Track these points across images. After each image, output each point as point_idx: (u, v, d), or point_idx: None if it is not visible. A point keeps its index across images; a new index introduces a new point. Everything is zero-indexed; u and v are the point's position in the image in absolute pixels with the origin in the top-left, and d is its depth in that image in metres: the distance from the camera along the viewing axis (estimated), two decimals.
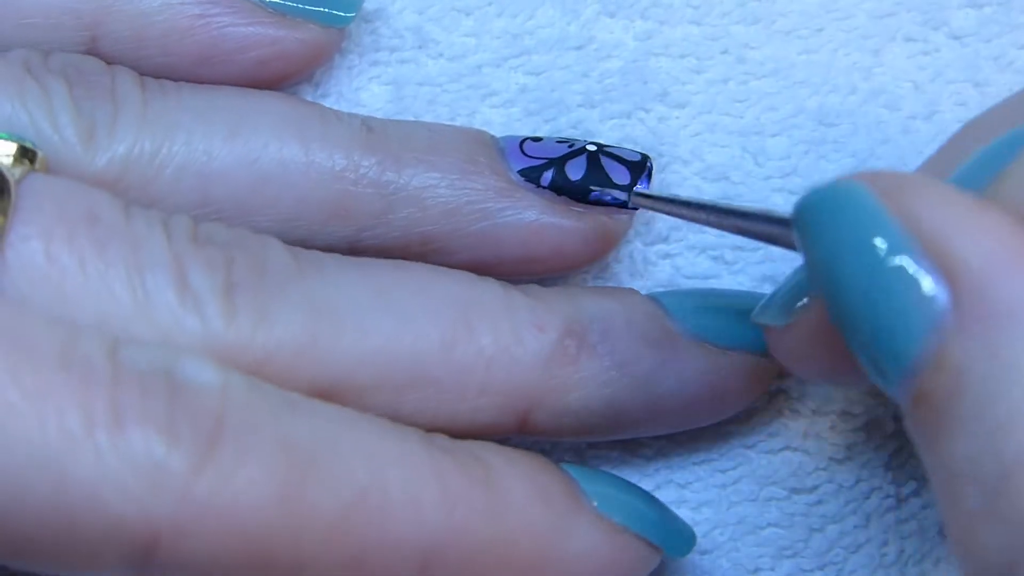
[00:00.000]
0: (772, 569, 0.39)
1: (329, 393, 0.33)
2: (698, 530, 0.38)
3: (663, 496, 0.39)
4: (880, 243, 0.27)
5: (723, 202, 0.35)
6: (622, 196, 0.37)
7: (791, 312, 0.33)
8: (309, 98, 0.40)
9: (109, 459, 0.29)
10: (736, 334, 0.36)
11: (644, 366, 0.36)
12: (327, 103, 0.40)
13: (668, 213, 0.36)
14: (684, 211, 0.35)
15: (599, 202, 0.37)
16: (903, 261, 0.27)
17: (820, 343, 0.32)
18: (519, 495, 0.33)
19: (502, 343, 0.35)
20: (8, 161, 0.32)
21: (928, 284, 0.27)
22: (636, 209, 0.37)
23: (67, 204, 0.32)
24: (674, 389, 0.36)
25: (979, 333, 0.27)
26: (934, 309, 0.27)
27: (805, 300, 0.33)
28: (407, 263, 0.36)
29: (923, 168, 0.33)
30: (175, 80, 0.37)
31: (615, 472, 0.39)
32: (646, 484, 0.39)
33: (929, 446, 0.28)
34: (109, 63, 0.36)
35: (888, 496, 0.39)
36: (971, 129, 0.32)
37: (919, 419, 0.28)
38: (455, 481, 0.32)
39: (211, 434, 0.29)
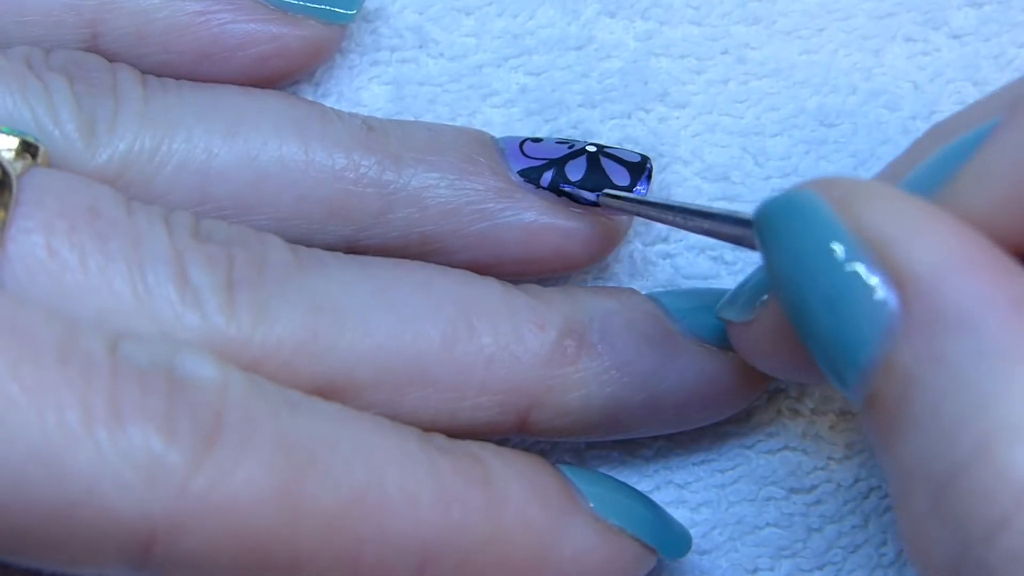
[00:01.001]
0: (771, 569, 0.39)
1: (329, 390, 0.33)
2: (697, 530, 0.39)
3: (662, 496, 0.39)
4: (832, 250, 0.28)
5: (689, 203, 0.35)
6: (591, 196, 0.37)
7: (752, 308, 0.33)
8: (310, 97, 0.40)
9: (108, 454, 0.29)
10: None
11: (644, 365, 0.36)
12: (328, 103, 0.40)
13: (635, 214, 0.36)
14: (650, 212, 0.35)
15: (570, 197, 0.37)
16: (854, 268, 0.28)
17: (781, 340, 0.33)
18: (516, 495, 0.33)
19: (502, 342, 0.35)
20: (10, 155, 0.32)
21: (878, 290, 0.27)
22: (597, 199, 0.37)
23: (68, 198, 0.32)
24: (674, 388, 0.36)
25: (927, 338, 0.27)
26: (884, 315, 0.27)
27: (765, 297, 0.33)
28: (408, 262, 0.36)
29: (885, 170, 0.34)
30: (176, 77, 0.37)
31: (614, 472, 0.39)
32: (645, 484, 0.39)
33: (882, 448, 0.28)
34: (110, 60, 0.36)
35: (887, 496, 0.39)
36: (935, 132, 0.33)
37: (872, 421, 0.28)
38: (452, 480, 0.32)
39: (210, 431, 0.30)
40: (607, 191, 0.37)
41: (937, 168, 0.30)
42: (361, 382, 0.33)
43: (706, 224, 0.33)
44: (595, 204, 0.37)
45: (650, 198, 0.36)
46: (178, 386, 0.30)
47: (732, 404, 0.37)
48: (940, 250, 0.27)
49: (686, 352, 0.36)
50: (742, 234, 0.32)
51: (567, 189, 0.37)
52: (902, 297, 0.27)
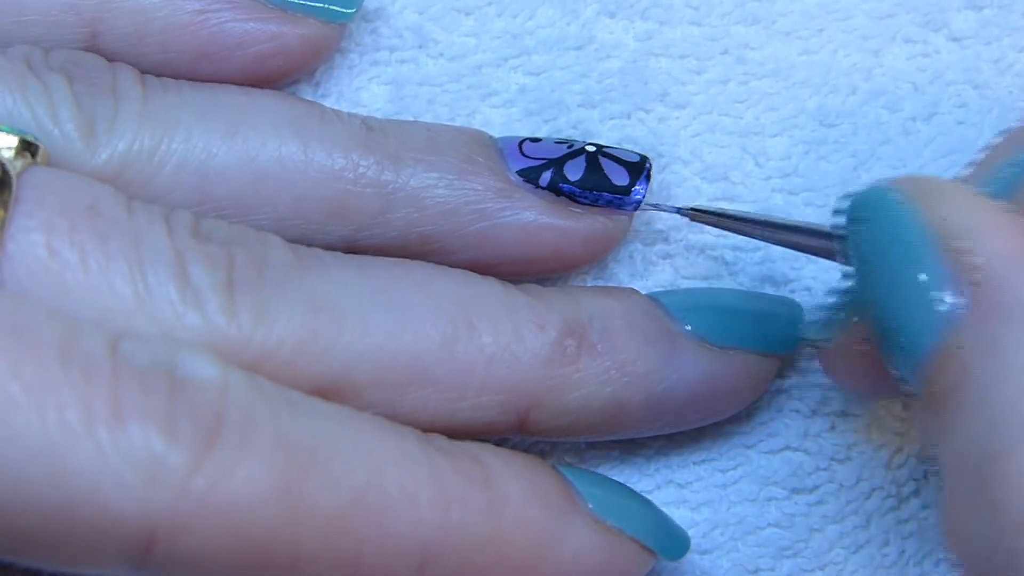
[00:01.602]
0: (772, 569, 0.39)
1: (329, 390, 0.33)
2: (698, 530, 0.39)
3: (663, 496, 0.39)
4: (909, 241, 0.29)
5: (774, 217, 0.36)
6: (629, 209, 0.37)
7: (838, 329, 0.34)
8: (309, 97, 0.40)
9: (108, 454, 0.29)
10: (736, 333, 0.37)
11: (644, 365, 0.36)
12: (327, 103, 0.40)
13: (723, 228, 0.37)
14: (738, 226, 0.37)
15: (603, 206, 0.37)
16: (927, 258, 0.29)
17: (869, 361, 0.33)
18: (516, 496, 0.33)
19: (502, 342, 0.34)
20: (10, 154, 0.32)
21: (946, 281, 0.28)
22: (636, 210, 0.37)
23: (69, 197, 0.32)
24: (674, 388, 0.36)
25: (986, 328, 0.28)
26: (948, 304, 0.28)
27: (854, 319, 0.34)
28: (408, 261, 0.36)
29: (965, 172, 0.34)
30: (175, 76, 0.37)
31: (614, 472, 0.39)
32: (646, 484, 0.39)
33: (937, 439, 0.29)
34: (109, 60, 0.36)
35: (889, 496, 0.39)
36: (1017, 134, 0.33)
37: (931, 412, 0.29)
38: (452, 481, 0.32)
39: (210, 430, 0.29)
40: (694, 206, 0.38)
41: (1013, 171, 0.31)
42: (361, 382, 0.33)
43: (790, 237, 0.35)
44: (593, 204, 0.37)
45: (735, 212, 0.37)
46: (179, 386, 0.30)
47: (733, 404, 0.37)
48: (1007, 246, 0.28)
49: (686, 352, 0.36)
50: (826, 246, 0.34)
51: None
52: (967, 289, 0.28)
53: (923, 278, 0.29)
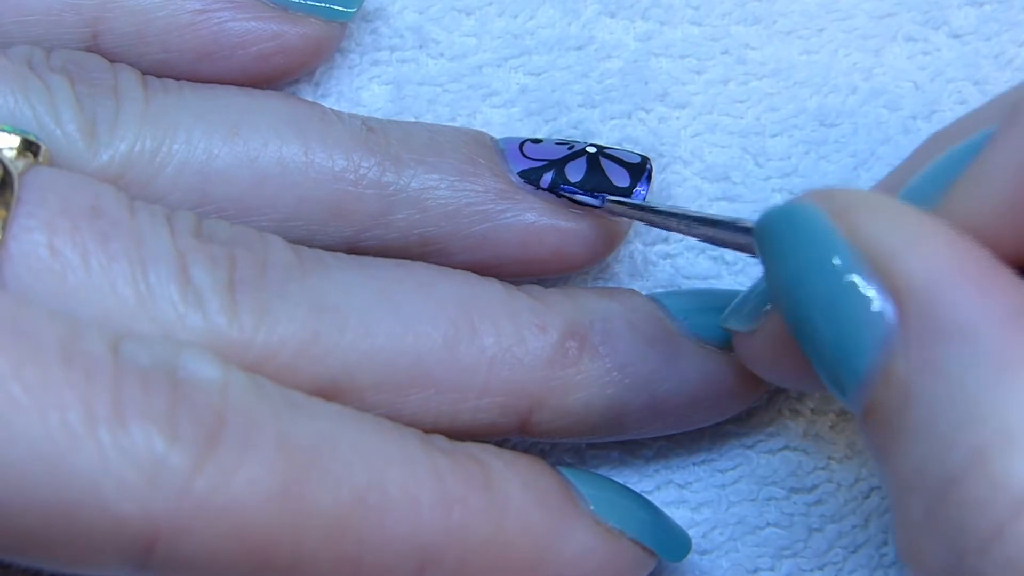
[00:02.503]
0: (771, 569, 0.39)
1: (330, 391, 0.33)
2: (698, 530, 0.39)
3: (663, 496, 0.39)
4: (830, 262, 0.28)
5: (691, 210, 0.35)
6: (593, 201, 0.37)
7: (756, 318, 0.34)
8: (310, 97, 0.40)
9: (110, 455, 0.29)
10: None
11: (645, 367, 0.36)
12: (327, 103, 0.40)
13: (638, 220, 0.36)
14: (653, 218, 0.36)
15: (571, 199, 0.37)
16: (851, 279, 0.28)
17: (784, 349, 0.33)
18: (517, 497, 0.33)
19: (504, 343, 0.35)
20: (11, 154, 0.32)
21: (875, 302, 0.28)
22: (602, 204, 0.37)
23: (71, 197, 0.32)
24: (675, 390, 0.36)
25: (924, 349, 0.27)
26: (881, 326, 0.28)
27: (768, 307, 0.33)
28: (410, 262, 0.36)
29: (887, 178, 0.34)
30: (176, 75, 0.37)
31: (614, 472, 0.39)
32: (646, 484, 0.39)
33: (880, 458, 0.28)
34: (110, 60, 0.36)
35: (887, 496, 0.39)
36: (936, 139, 0.33)
37: (871, 431, 0.28)
38: (453, 482, 0.32)
39: (212, 431, 0.30)
40: (611, 197, 0.37)
41: (936, 177, 0.30)
42: (363, 383, 0.33)
43: (709, 231, 0.34)
44: (596, 207, 0.37)
45: (654, 204, 0.36)
46: (180, 386, 0.30)
47: (733, 405, 0.37)
48: (936, 261, 0.27)
49: (687, 353, 0.36)
50: (745, 241, 0.32)
51: (566, 191, 0.37)
52: (899, 308, 0.27)
53: (851, 299, 0.28)
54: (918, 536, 0.27)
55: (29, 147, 0.33)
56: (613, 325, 0.36)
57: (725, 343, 0.36)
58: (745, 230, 0.32)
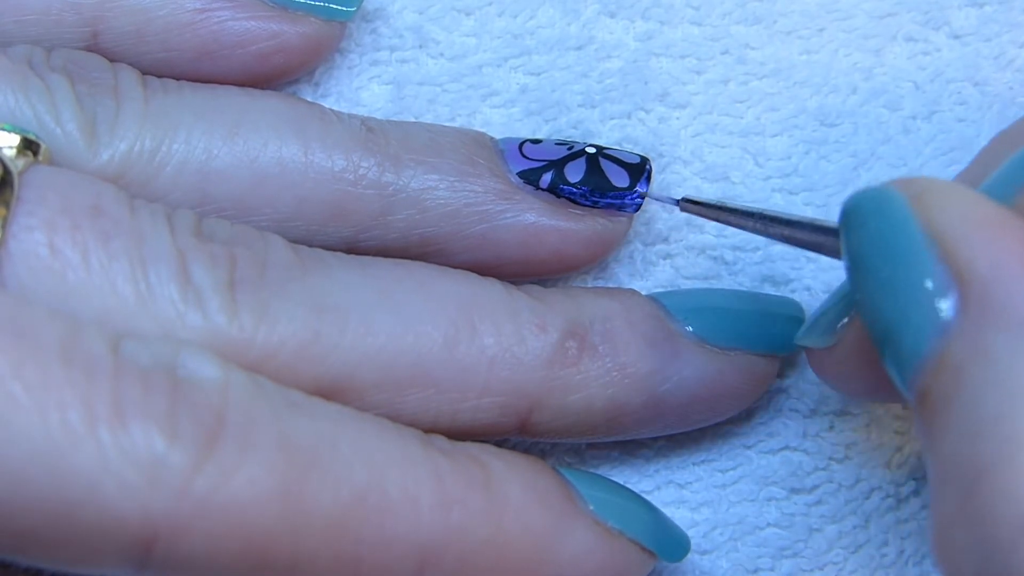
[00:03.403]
0: (772, 569, 0.39)
1: (330, 391, 0.33)
2: (698, 530, 0.39)
3: (663, 496, 0.39)
4: (904, 244, 0.29)
5: (770, 210, 0.35)
6: (629, 210, 0.37)
7: (833, 332, 0.34)
8: (309, 98, 0.40)
9: (110, 454, 0.29)
10: (736, 334, 0.37)
11: (645, 367, 0.36)
12: (327, 103, 0.40)
13: (715, 220, 0.37)
14: (731, 218, 0.36)
15: (604, 207, 0.37)
16: (920, 262, 0.28)
17: (862, 363, 0.33)
18: (516, 497, 0.33)
19: (504, 343, 0.35)
20: (11, 153, 0.32)
21: (940, 286, 0.28)
22: (637, 210, 0.37)
23: (71, 196, 0.32)
24: (675, 390, 0.36)
25: (979, 335, 0.27)
26: (942, 311, 0.28)
27: (845, 320, 0.33)
28: (410, 262, 0.36)
29: (962, 174, 0.34)
30: (176, 74, 0.37)
31: (615, 472, 0.39)
32: (646, 484, 0.39)
33: (925, 447, 0.28)
34: (110, 59, 0.36)
35: (888, 496, 0.39)
36: (1008, 135, 0.33)
37: (922, 418, 0.28)
38: (453, 482, 0.32)
39: (212, 431, 0.30)
40: (687, 197, 0.37)
41: (1011, 176, 0.30)
42: (363, 383, 0.33)
43: (787, 231, 0.34)
44: (592, 206, 0.37)
45: (730, 204, 0.36)
46: (180, 386, 0.30)
47: (733, 405, 0.37)
48: (1000, 250, 0.28)
49: (687, 353, 0.36)
50: (823, 241, 0.33)
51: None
52: (961, 295, 0.28)
53: (918, 282, 0.28)
54: (951, 527, 0.27)
55: (29, 146, 0.33)
56: (613, 325, 0.36)
57: (725, 343, 0.36)
58: (824, 230, 0.33)
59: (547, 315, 0.35)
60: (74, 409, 0.29)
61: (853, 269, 0.30)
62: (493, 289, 0.35)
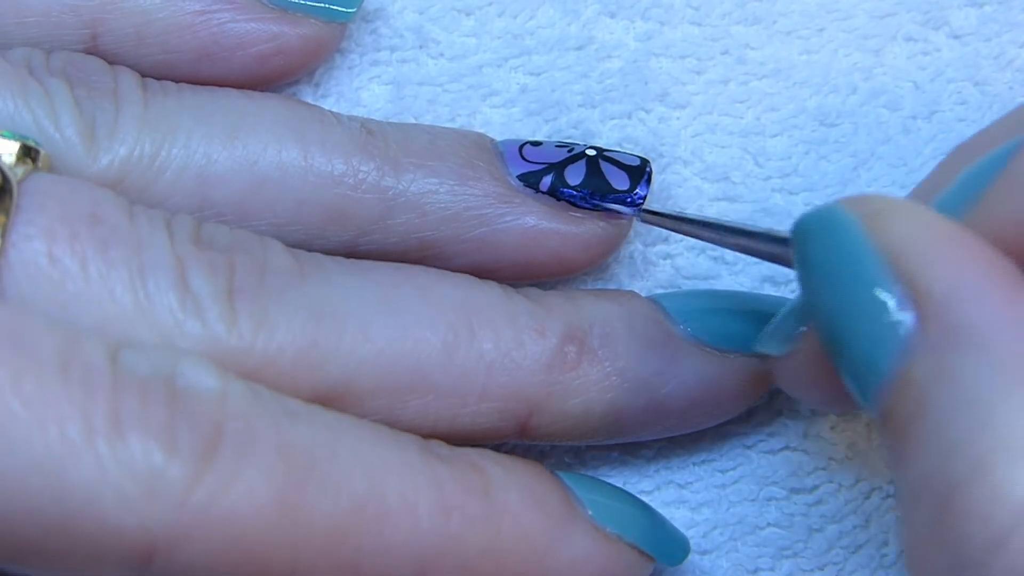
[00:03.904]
0: (772, 569, 0.39)
1: (329, 397, 0.33)
2: (698, 530, 0.39)
3: (663, 496, 0.39)
4: (858, 265, 0.28)
5: (727, 220, 0.35)
6: (629, 211, 0.37)
7: (791, 340, 0.34)
8: (309, 98, 0.40)
9: (109, 467, 0.29)
10: (736, 337, 0.37)
11: (645, 370, 0.36)
12: (327, 103, 0.40)
13: (673, 230, 0.37)
14: (689, 228, 0.36)
15: (604, 209, 0.37)
16: (876, 283, 0.28)
17: (819, 371, 0.33)
18: (515, 504, 0.33)
19: (503, 348, 0.35)
20: (11, 160, 0.32)
21: (897, 306, 0.28)
22: (638, 211, 0.37)
23: (70, 204, 0.32)
24: (675, 393, 0.36)
25: (941, 356, 0.27)
26: (901, 330, 0.28)
27: (803, 328, 0.33)
28: (409, 266, 0.36)
29: (916, 189, 0.34)
30: (176, 76, 0.37)
31: (615, 472, 0.39)
32: (646, 484, 0.39)
33: (893, 465, 0.28)
34: (110, 61, 0.36)
35: (888, 496, 0.39)
36: (962, 150, 0.33)
37: (887, 438, 0.28)
38: (452, 489, 0.32)
39: (210, 442, 0.30)
40: (646, 208, 0.37)
41: (964, 189, 0.30)
42: (361, 389, 0.33)
43: (743, 241, 0.34)
44: (594, 210, 0.37)
45: (688, 214, 0.37)
46: (179, 396, 0.30)
47: (733, 408, 0.37)
48: (958, 269, 0.28)
49: (687, 356, 0.36)
50: (779, 252, 0.33)
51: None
52: (919, 313, 0.28)
53: (875, 303, 0.28)
54: (923, 547, 0.27)
55: (28, 153, 0.33)
56: (612, 329, 0.36)
57: (725, 346, 0.36)
58: (778, 240, 0.33)
59: (546, 319, 0.35)
60: (72, 422, 0.29)
61: (807, 288, 0.30)
62: (492, 293, 0.35)
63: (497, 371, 0.34)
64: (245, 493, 0.30)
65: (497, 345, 0.34)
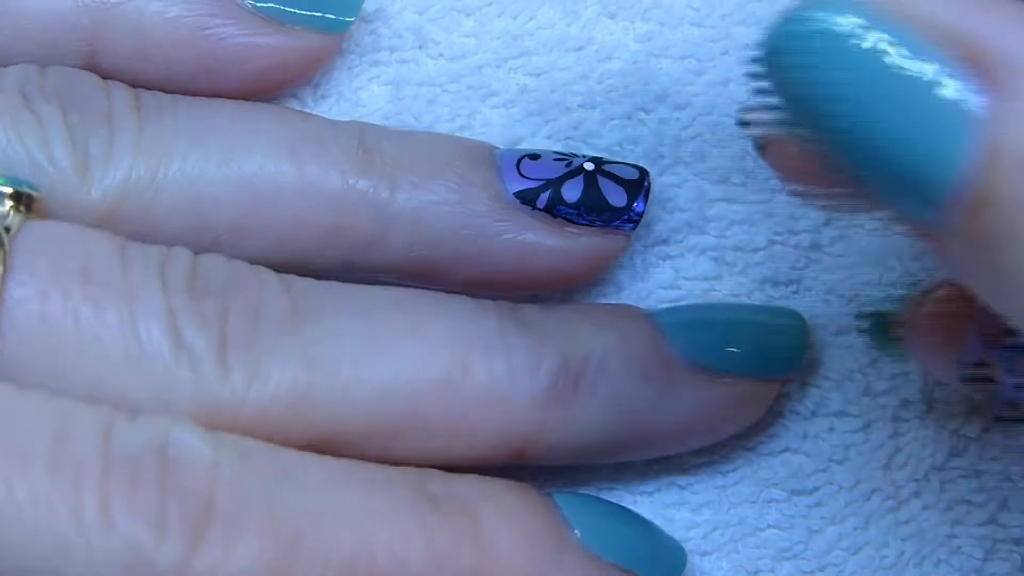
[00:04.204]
0: (772, 571, 0.39)
1: (323, 443, 0.33)
2: (698, 531, 0.39)
3: (663, 497, 0.39)
4: (887, 52, 0.24)
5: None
6: (627, 228, 0.37)
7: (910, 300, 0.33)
8: (308, 98, 0.40)
9: (99, 558, 0.29)
10: (735, 361, 0.36)
11: (640, 403, 0.36)
12: (327, 104, 0.40)
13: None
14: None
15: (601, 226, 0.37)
16: (922, 64, 0.24)
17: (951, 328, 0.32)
18: (506, 548, 0.33)
19: (497, 386, 0.34)
20: (3, 209, 0.32)
21: (963, 90, 0.24)
22: (634, 228, 0.37)
23: (61, 260, 0.32)
24: (670, 422, 0.36)
25: None
26: (969, 108, 0.24)
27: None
28: (404, 295, 0.35)
29: None
30: (174, 90, 0.37)
31: (615, 473, 0.39)
32: (646, 486, 0.39)
33: (990, 260, 0.25)
34: (108, 76, 0.36)
35: (888, 498, 0.39)
36: None
37: (975, 234, 0.25)
38: (442, 539, 0.32)
39: (200, 519, 0.30)
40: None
41: None
42: (355, 432, 0.33)
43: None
44: (589, 224, 0.37)
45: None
46: (169, 472, 0.30)
47: (730, 430, 0.37)
48: (1005, 22, 0.24)
49: (683, 384, 0.36)
50: None
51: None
52: (993, 92, 0.24)
53: (925, 91, 0.24)
54: None
55: (20, 198, 0.33)
56: (608, 361, 0.36)
57: (723, 366, 0.36)
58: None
59: (541, 352, 0.35)
60: (63, 517, 0.29)
61: (801, 112, 0.25)
62: (487, 326, 0.35)
63: (490, 407, 0.34)
64: (236, 571, 0.30)
65: (491, 383, 0.34)
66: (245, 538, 0.30)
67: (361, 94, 0.40)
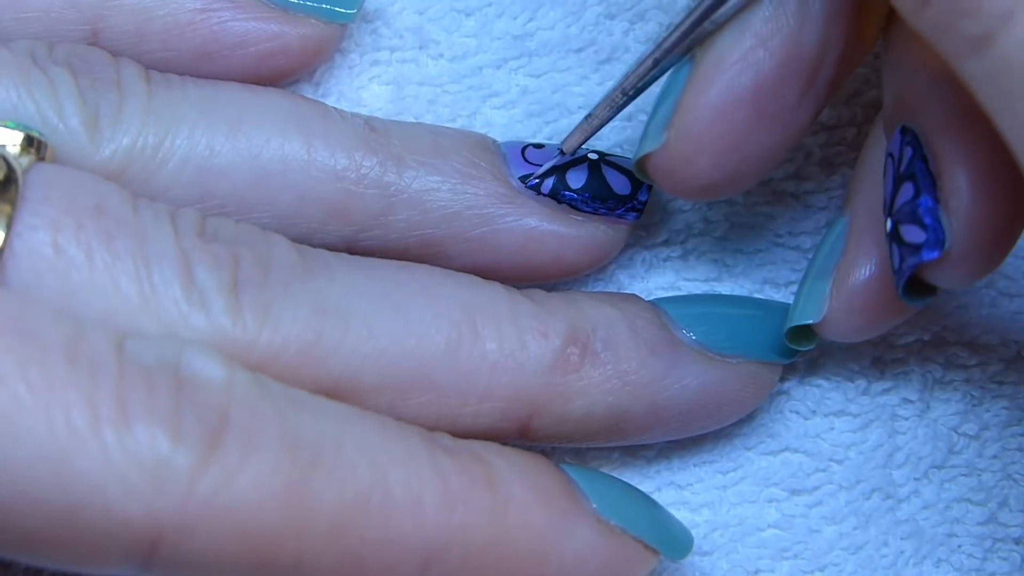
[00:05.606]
0: (772, 571, 0.39)
1: (332, 393, 0.33)
2: (698, 531, 0.39)
3: (663, 497, 0.39)
4: None
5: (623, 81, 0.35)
6: (630, 216, 0.38)
7: (665, 128, 0.34)
8: (310, 97, 0.40)
9: (115, 456, 0.29)
10: (738, 342, 0.37)
11: (646, 374, 0.36)
12: (328, 103, 0.40)
13: (598, 128, 0.37)
14: (605, 113, 0.36)
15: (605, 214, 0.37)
16: None
17: (707, 145, 0.33)
18: (519, 496, 0.33)
19: (506, 349, 0.35)
20: (15, 151, 0.32)
21: None
22: (637, 218, 0.37)
23: (75, 195, 0.32)
24: (676, 397, 0.36)
25: None
26: None
27: (671, 117, 0.33)
28: (413, 264, 0.35)
29: None
30: (176, 74, 0.37)
31: (616, 474, 0.39)
32: (647, 485, 0.39)
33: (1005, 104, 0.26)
34: None
35: (887, 497, 0.39)
36: None
37: (989, 75, 0.26)
38: (456, 481, 0.32)
39: (216, 430, 0.29)
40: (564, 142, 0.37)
41: None
42: (364, 385, 0.33)
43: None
44: (592, 212, 0.37)
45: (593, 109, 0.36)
46: (184, 385, 0.30)
47: (734, 412, 0.37)
48: None
49: (688, 361, 0.36)
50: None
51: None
52: None
53: None
54: None
55: (32, 144, 0.33)
56: (615, 332, 0.36)
57: (727, 350, 0.36)
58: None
59: (549, 321, 0.35)
60: (78, 410, 0.29)
61: None
62: (496, 293, 0.35)
63: (500, 371, 0.34)
64: (251, 483, 0.29)
65: (500, 345, 0.34)
66: (260, 454, 0.30)
67: (362, 93, 0.40)
